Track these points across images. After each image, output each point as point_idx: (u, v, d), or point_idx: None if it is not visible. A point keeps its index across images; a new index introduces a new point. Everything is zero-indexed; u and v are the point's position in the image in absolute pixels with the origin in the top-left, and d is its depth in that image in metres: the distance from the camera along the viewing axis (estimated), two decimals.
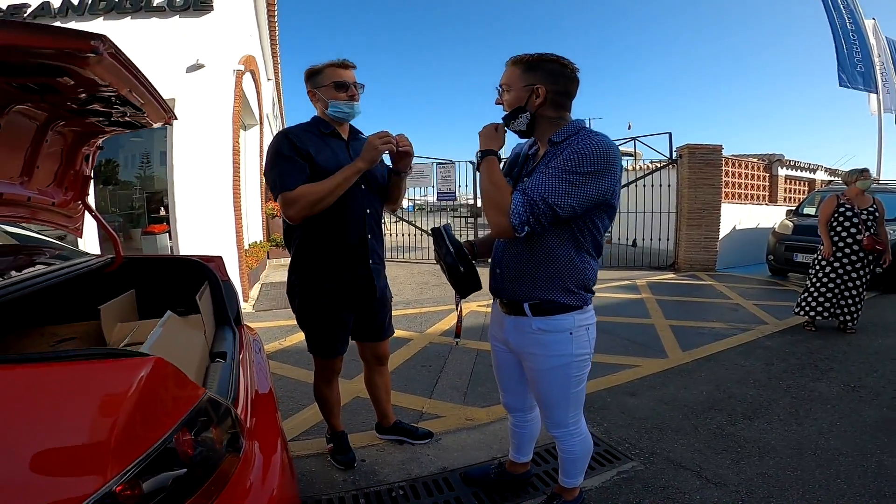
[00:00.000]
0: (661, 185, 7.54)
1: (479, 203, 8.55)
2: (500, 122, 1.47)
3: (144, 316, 2.00)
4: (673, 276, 7.25)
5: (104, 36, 1.00)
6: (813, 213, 7.39)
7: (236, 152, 5.73)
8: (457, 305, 1.72)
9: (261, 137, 8.75)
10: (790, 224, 7.02)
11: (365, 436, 2.35)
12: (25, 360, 0.84)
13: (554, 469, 1.97)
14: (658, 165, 7.86)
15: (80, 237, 2.82)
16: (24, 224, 2.43)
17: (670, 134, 7.50)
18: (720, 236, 7.54)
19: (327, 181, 1.66)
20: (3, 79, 1.20)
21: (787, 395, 2.87)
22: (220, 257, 2.23)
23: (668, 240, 7.76)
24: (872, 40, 11.87)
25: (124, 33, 5.15)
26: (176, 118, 1.84)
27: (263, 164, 1.99)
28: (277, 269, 7.84)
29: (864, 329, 4.28)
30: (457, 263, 1.49)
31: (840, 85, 11.09)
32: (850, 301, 4.19)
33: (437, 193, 8.62)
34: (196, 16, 5.39)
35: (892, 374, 3.23)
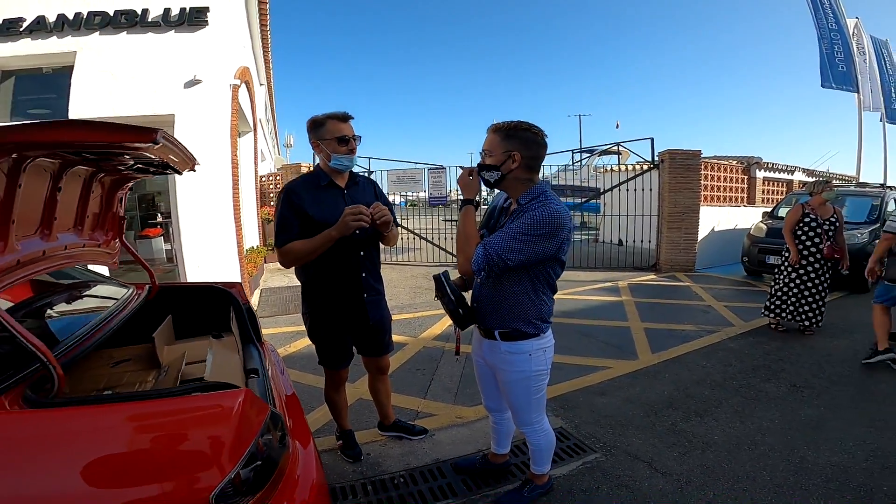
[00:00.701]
0: (643, 189, 7.93)
1: None
2: (475, 167, 1.82)
3: (179, 337, 2.34)
4: (654, 276, 7.67)
5: (161, 129, 1.31)
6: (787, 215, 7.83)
7: (234, 165, 5.99)
8: (455, 330, 2.06)
9: (255, 142, 8.99)
10: (764, 227, 7.45)
11: (369, 433, 2.72)
12: (171, 393, 1.20)
13: (528, 460, 2.36)
14: (642, 169, 8.24)
15: (116, 268, 3.13)
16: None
17: (652, 139, 7.88)
18: (699, 238, 7.96)
19: (308, 243, 2.00)
20: (75, 157, 1.55)
21: (738, 394, 3.28)
22: (239, 284, 2.55)
23: (650, 241, 8.18)
24: (854, 39, 12.18)
25: (120, 49, 5.34)
26: (199, 164, 2.14)
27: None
28: (276, 274, 8.12)
29: (824, 330, 4.70)
30: (457, 308, 1.84)
31: (822, 85, 11.43)
32: (812, 305, 4.61)
33: (429, 198, 8.97)
34: (191, 31, 5.58)
35: (837, 375, 3.65)
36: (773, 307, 4.79)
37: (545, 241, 1.65)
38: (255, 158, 9.14)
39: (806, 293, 4.61)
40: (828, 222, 4.54)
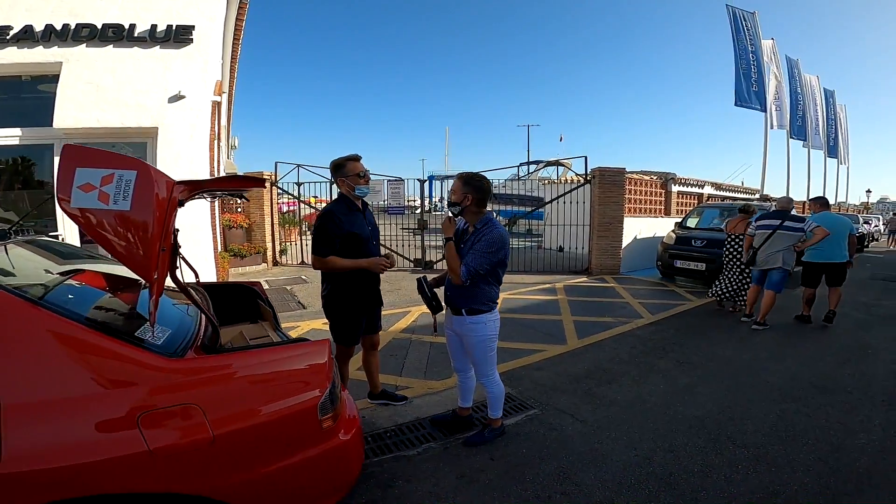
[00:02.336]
0: (578, 202, 9.13)
1: (425, 217, 9.85)
2: (450, 213, 2.76)
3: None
4: (586, 279, 8.90)
5: (264, 180, 2.09)
6: (694, 225, 9.30)
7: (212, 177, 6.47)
8: (432, 315, 2.95)
9: (217, 151, 9.31)
10: (674, 235, 8.85)
11: (361, 402, 3.49)
12: (287, 342, 1.95)
13: (485, 415, 3.24)
14: (577, 183, 9.41)
15: None
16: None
17: (586, 158, 9.11)
18: (623, 245, 9.28)
19: (347, 262, 2.84)
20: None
21: (637, 368, 4.35)
22: (258, 283, 3.25)
23: (584, 248, 9.40)
24: (768, 59, 13.91)
25: (106, 61, 5.68)
26: (264, 187, 2.87)
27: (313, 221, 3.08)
28: (238, 279, 8.50)
29: (705, 320, 5.98)
30: (431, 301, 2.80)
31: (736, 104, 13.05)
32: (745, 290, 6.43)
33: (388, 207, 9.74)
34: (176, 47, 5.98)
35: (711, 353, 4.83)
36: (720, 294, 6.71)
37: (497, 253, 2.63)
38: (218, 166, 9.47)
39: (745, 284, 6.43)
40: (742, 235, 6.39)
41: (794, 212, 6.08)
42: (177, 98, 5.90)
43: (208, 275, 6.31)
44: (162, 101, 5.91)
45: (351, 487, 2.01)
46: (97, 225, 1.57)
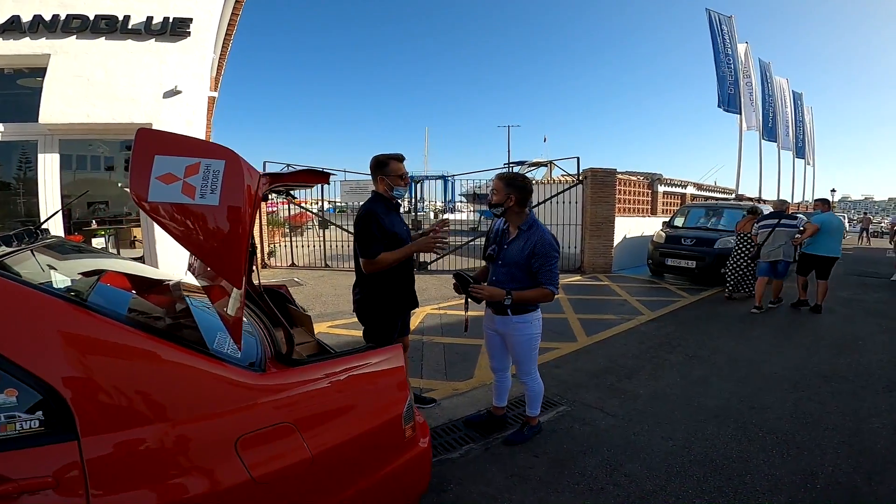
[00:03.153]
0: (569, 202, 9.25)
1: (417, 218, 9.75)
2: (493, 213, 2.75)
3: None
4: (580, 277, 9.03)
5: (329, 174, 1.98)
6: (681, 225, 9.57)
7: None
8: (465, 315, 2.92)
9: None
10: (663, 234, 9.08)
11: None
12: (358, 350, 1.81)
13: (519, 413, 3.25)
14: (570, 184, 9.54)
15: None
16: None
17: (578, 158, 9.22)
18: (614, 244, 9.46)
19: (397, 253, 2.72)
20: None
21: (651, 363, 4.44)
22: (284, 285, 3.16)
23: (576, 247, 9.54)
24: (742, 63, 14.46)
25: (98, 54, 5.44)
26: (328, 182, 2.75)
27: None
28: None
29: (703, 317, 6.16)
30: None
31: (719, 106, 13.49)
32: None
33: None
34: (173, 40, 5.78)
35: (715, 348, 4.98)
36: (730, 286, 7.54)
37: (557, 254, 2.65)
38: None
39: (751, 274, 7.27)
40: (750, 234, 7.21)
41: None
42: (172, 93, 5.70)
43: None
44: (156, 95, 5.70)
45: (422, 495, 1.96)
46: (181, 222, 1.42)
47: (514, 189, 2.64)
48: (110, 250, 7.78)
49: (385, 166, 2.85)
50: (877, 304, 7.30)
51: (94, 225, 8.53)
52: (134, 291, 2.11)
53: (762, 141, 16.63)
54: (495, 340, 2.94)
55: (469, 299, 2.73)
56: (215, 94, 6.14)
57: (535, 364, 2.89)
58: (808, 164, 25.15)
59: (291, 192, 2.36)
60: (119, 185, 9.22)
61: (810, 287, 6.87)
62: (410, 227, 9.91)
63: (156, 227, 5.89)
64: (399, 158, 2.88)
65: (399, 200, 3.06)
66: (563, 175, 10.23)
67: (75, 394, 1.18)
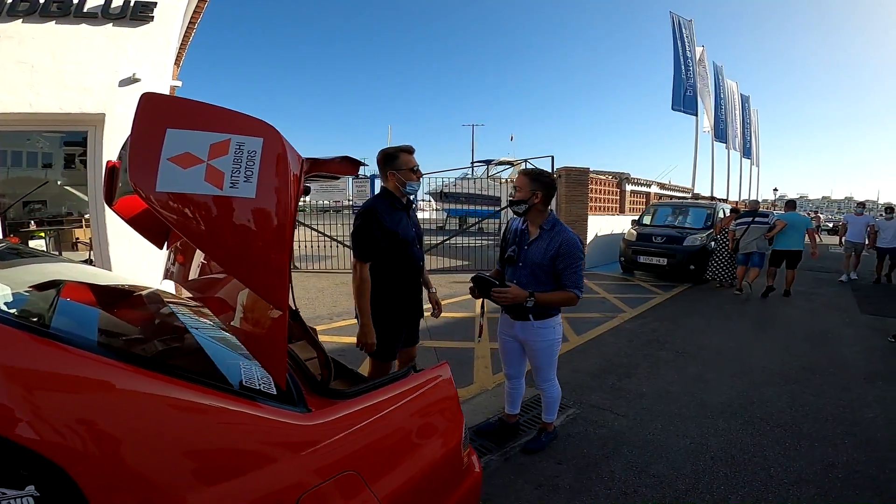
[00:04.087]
0: None
1: None
2: (513, 211, 2.57)
3: None
4: None
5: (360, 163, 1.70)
6: (649, 223, 9.81)
7: None
8: (479, 322, 2.74)
9: None
10: (635, 232, 9.27)
11: None
12: (400, 375, 1.53)
13: (530, 418, 3.13)
14: None
15: None
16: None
17: (552, 157, 9.24)
18: (588, 242, 9.56)
19: (365, 304, 2.41)
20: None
21: (645, 360, 4.44)
22: None
23: None
24: (699, 66, 15.05)
25: (46, 39, 4.88)
26: (360, 169, 2.34)
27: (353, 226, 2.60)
28: None
29: (682, 313, 6.29)
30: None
31: (672, 108, 14.01)
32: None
33: (353, 206, 9.30)
34: (133, 25, 5.28)
35: (700, 343, 5.05)
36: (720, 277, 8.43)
37: (582, 256, 2.49)
38: None
39: (733, 265, 8.22)
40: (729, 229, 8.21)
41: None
42: (130, 81, 5.19)
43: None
44: (111, 84, 5.17)
45: None
46: (203, 221, 1.08)
47: (540, 185, 2.48)
48: (51, 254, 7.09)
49: (394, 159, 2.52)
50: (833, 298, 7.72)
51: (32, 226, 7.77)
52: (105, 307, 1.66)
53: (714, 142, 17.45)
54: (513, 347, 2.77)
55: (485, 304, 2.57)
56: (178, 84, 5.65)
57: (555, 370, 2.76)
58: (755, 164, 26.72)
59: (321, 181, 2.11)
60: (59, 182, 8.44)
61: (779, 276, 7.86)
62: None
63: (110, 226, 5.40)
64: (409, 150, 2.55)
65: (409, 198, 2.75)
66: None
67: (74, 462, 0.85)
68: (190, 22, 7.04)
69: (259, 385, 1.21)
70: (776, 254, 7.82)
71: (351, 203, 9.49)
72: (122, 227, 5.39)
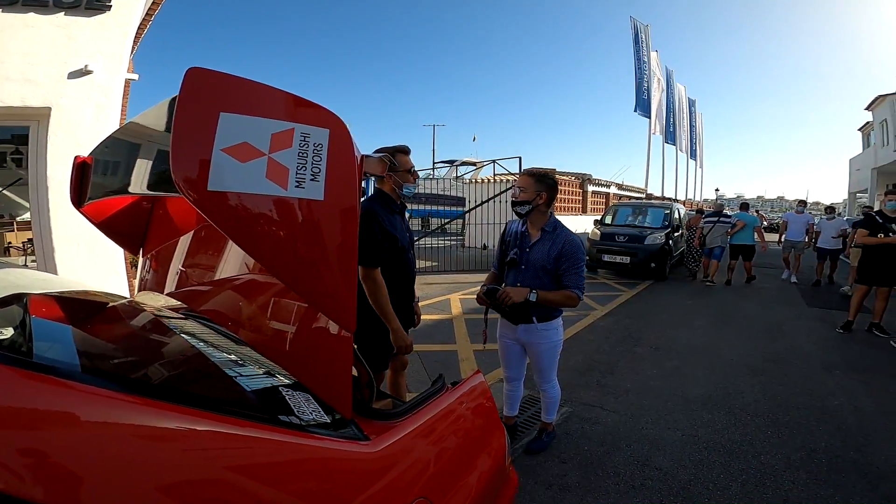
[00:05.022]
0: (506, 201, 9.33)
1: None
2: (516, 212, 2.56)
3: None
4: None
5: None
6: (610, 222, 10.14)
7: None
8: (484, 328, 2.70)
9: None
10: (598, 232, 9.56)
11: None
12: (436, 391, 1.42)
13: (527, 418, 3.14)
14: (511, 183, 9.65)
15: None
16: None
17: (520, 158, 9.34)
18: None
19: (389, 308, 2.29)
20: None
21: (624, 357, 4.57)
22: None
23: None
24: (654, 71, 15.75)
25: None
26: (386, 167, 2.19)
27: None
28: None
29: (650, 310, 6.54)
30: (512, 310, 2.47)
31: (635, 110, 14.58)
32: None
33: None
34: (87, 15, 4.89)
35: (672, 338, 5.26)
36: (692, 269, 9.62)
37: (584, 257, 2.50)
38: None
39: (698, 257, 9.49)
40: (697, 227, 9.31)
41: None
42: (81, 73, 4.79)
43: (119, 288, 5.23)
44: (59, 76, 4.75)
45: None
46: (266, 229, 0.94)
47: (545, 187, 2.48)
48: None
49: (391, 161, 2.38)
50: (780, 293, 8.27)
51: None
52: (86, 325, 1.48)
53: (664, 144, 18.32)
54: (514, 350, 2.76)
55: (489, 309, 2.55)
56: (135, 77, 5.27)
57: (556, 370, 2.77)
58: (699, 166, 28.29)
59: None
60: None
61: (738, 268, 9.09)
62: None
63: (56, 229, 4.96)
64: (406, 151, 2.43)
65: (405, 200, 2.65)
66: (502, 174, 10.31)
67: None
68: (147, 14, 6.59)
69: (308, 413, 1.07)
70: (734, 248, 8.98)
71: None
72: (72, 231, 4.97)
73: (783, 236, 9.84)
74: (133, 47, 8.05)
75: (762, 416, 3.31)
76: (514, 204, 2.57)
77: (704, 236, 9.03)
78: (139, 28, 7.05)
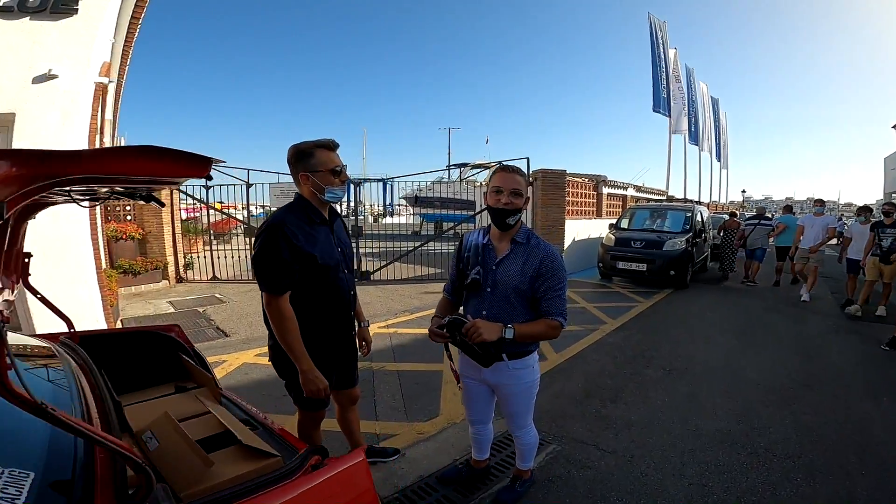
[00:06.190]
0: None
1: (357, 223, 8.90)
2: (508, 223, 1.93)
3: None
4: None
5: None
6: (626, 227, 9.52)
7: None
8: (450, 358, 2.20)
9: (100, 144, 7.73)
10: (613, 237, 8.95)
11: None
12: (293, 469, 1.08)
13: (503, 458, 2.66)
14: None
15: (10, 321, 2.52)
16: None
17: (528, 159, 8.73)
18: (565, 247, 9.20)
19: (297, 339, 1.85)
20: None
21: (631, 381, 4.02)
22: (177, 326, 2.32)
23: None
24: (672, 68, 15.07)
25: None
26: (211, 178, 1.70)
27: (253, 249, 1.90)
28: (131, 300, 7.05)
29: (664, 324, 5.95)
30: (493, 352, 1.86)
31: (654, 110, 13.93)
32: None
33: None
34: (53, 19, 4.70)
35: (687, 357, 4.69)
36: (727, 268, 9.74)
37: (566, 276, 1.98)
38: None
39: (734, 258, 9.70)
40: (736, 229, 9.53)
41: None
42: (46, 78, 4.57)
43: (91, 304, 4.93)
44: (23, 81, 4.54)
45: None
46: None
47: (527, 185, 1.98)
48: None
49: (308, 158, 1.92)
50: (813, 302, 7.51)
51: None
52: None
53: (687, 144, 17.50)
54: (480, 391, 2.22)
55: (458, 347, 1.97)
56: (106, 81, 5.03)
57: (532, 413, 2.24)
58: (724, 167, 27.12)
59: (151, 193, 1.53)
60: None
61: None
62: (351, 232, 9.00)
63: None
64: (329, 146, 1.95)
65: (334, 206, 2.12)
66: None
67: None
68: (133, 17, 6.42)
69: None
70: (780, 250, 9.27)
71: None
72: (37, 242, 4.72)
73: (797, 246, 8.06)
74: (126, 51, 7.96)
75: (791, 458, 2.75)
76: (504, 214, 1.91)
77: (746, 238, 9.28)
78: (129, 32, 6.94)
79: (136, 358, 2.08)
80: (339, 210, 2.32)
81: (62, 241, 4.61)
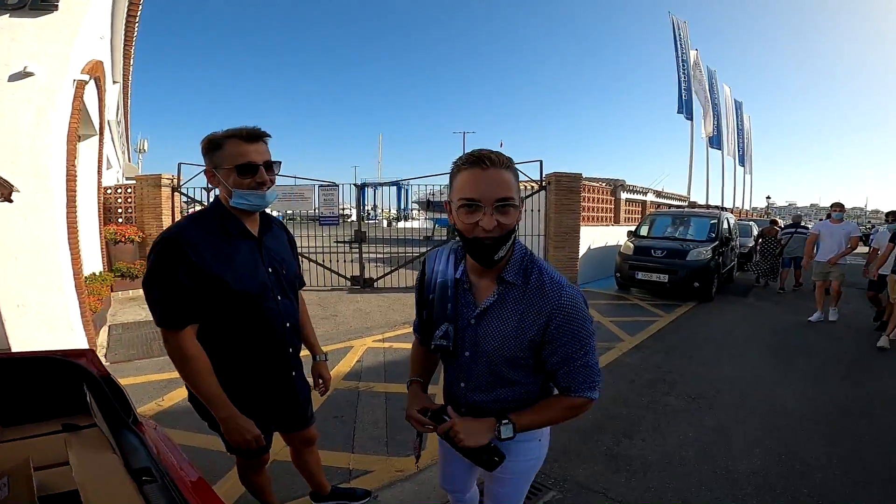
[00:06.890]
0: (531, 210, 8.27)
1: (362, 228, 8.53)
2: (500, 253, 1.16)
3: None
4: None
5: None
6: (646, 234, 8.95)
7: (72, 178, 4.81)
8: (415, 438, 1.50)
9: (100, 148, 7.56)
10: (631, 245, 8.38)
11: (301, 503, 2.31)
12: None
13: None
14: (532, 189, 8.59)
15: None
16: None
17: (541, 161, 8.25)
18: (580, 255, 8.67)
19: (212, 384, 1.46)
20: None
21: (649, 411, 3.52)
22: (91, 351, 1.93)
23: None
24: (693, 70, 14.48)
25: None
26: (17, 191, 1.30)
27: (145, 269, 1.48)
28: (126, 305, 6.84)
29: (688, 341, 5.39)
30: (497, 459, 1.24)
31: (678, 112, 13.40)
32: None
33: (320, 217, 8.40)
34: (32, 16, 4.50)
35: (713, 380, 4.16)
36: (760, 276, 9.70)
37: (594, 330, 1.29)
38: (100, 167, 7.67)
39: (776, 267, 9.44)
40: (775, 238, 9.43)
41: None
42: (21, 75, 4.35)
43: (69, 311, 4.59)
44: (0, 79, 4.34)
45: None
46: None
47: (517, 185, 1.19)
48: None
49: (216, 150, 1.48)
50: (855, 316, 6.84)
51: None
52: None
53: (708, 148, 16.77)
54: (457, 467, 1.58)
55: (482, 459, 1.25)
56: (86, 78, 4.79)
57: (524, 499, 1.56)
58: (748, 172, 26.09)
59: None
60: None
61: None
62: (354, 238, 8.66)
63: None
64: (244, 135, 1.47)
65: (266, 212, 1.71)
66: (524, 181, 9.29)
67: None
68: (129, 15, 6.24)
69: None
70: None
71: (317, 215, 8.55)
72: (10, 244, 4.41)
73: (811, 258, 6.89)
74: (129, 49, 7.82)
75: None
76: (487, 249, 1.14)
77: (783, 246, 9.23)
78: (127, 32, 6.78)
79: (28, 387, 1.70)
80: (275, 216, 1.90)
81: (33, 245, 4.35)
